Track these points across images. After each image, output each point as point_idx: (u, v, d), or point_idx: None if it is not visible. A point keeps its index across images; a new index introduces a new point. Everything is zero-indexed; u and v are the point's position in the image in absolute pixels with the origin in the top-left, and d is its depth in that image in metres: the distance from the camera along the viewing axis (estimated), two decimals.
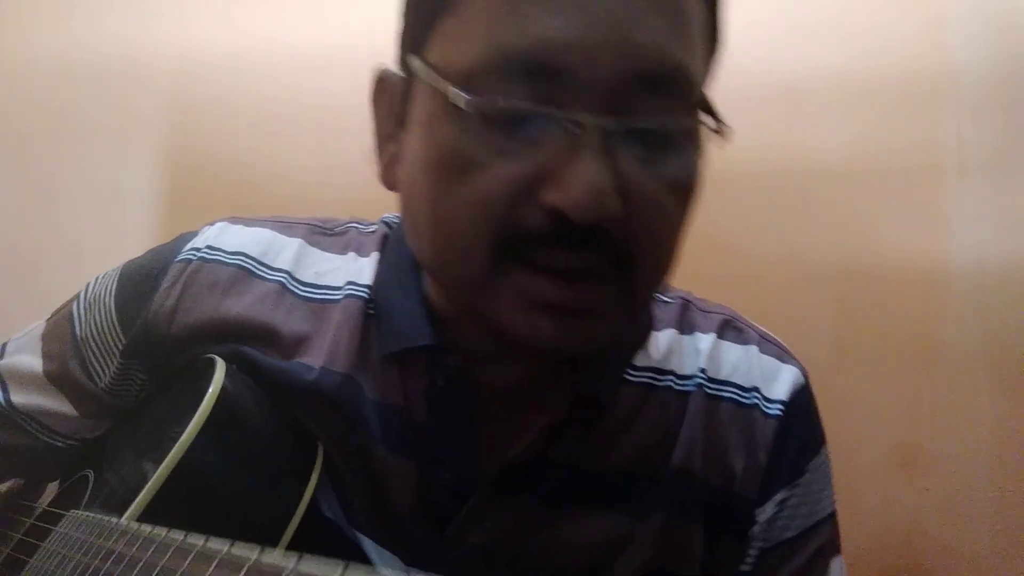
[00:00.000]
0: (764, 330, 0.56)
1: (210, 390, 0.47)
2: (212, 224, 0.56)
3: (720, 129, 0.45)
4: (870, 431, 0.79)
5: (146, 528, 0.42)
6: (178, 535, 0.38)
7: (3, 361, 0.58)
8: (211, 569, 0.33)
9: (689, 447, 0.50)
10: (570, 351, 0.42)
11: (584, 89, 0.39)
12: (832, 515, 0.53)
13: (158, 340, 0.51)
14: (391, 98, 0.47)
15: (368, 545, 0.48)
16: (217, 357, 0.49)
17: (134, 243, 0.97)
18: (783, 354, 0.55)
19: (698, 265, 0.89)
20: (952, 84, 0.81)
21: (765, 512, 0.50)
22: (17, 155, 1.02)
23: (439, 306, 0.49)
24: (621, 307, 0.43)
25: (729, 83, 0.85)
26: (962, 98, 0.80)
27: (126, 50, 1.00)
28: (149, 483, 0.45)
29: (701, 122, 0.43)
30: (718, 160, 0.86)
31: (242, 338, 0.50)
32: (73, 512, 0.52)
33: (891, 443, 0.79)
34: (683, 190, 0.43)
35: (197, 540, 0.36)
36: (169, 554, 0.37)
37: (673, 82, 0.40)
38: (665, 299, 0.56)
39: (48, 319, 0.58)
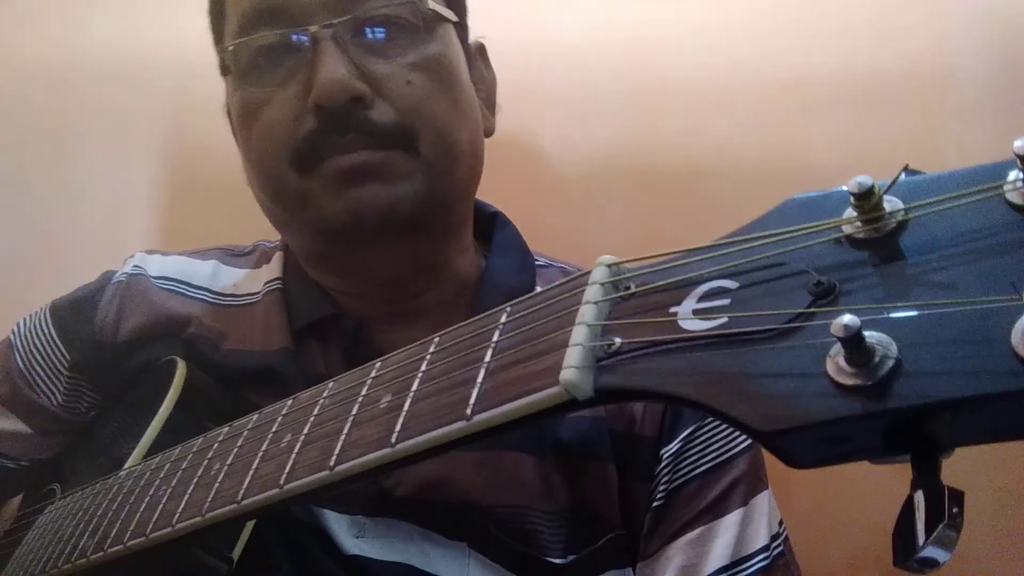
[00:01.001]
0: None
1: (176, 375, 0.53)
2: (131, 256, 0.64)
3: (440, 15, 0.55)
4: None
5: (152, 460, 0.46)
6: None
7: None
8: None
9: None
10: (380, 209, 0.51)
11: (305, 11, 0.51)
12: (748, 448, 0.55)
13: (107, 348, 0.58)
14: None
15: (329, 517, 0.52)
16: (176, 357, 0.55)
17: (134, 244, 0.91)
18: None
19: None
20: (953, 84, 0.79)
21: (671, 449, 0.53)
22: (16, 156, 0.99)
23: (328, 284, 0.58)
24: (416, 172, 0.52)
25: (729, 82, 0.83)
26: (961, 95, 0.79)
27: (127, 50, 0.97)
28: (139, 444, 0.50)
29: (423, 13, 0.53)
30: (718, 158, 0.83)
31: (183, 326, 0.58)
32: (52, 504, 0.55)
33: None
34: (426, 69, 0.53)
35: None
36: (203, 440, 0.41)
37: None
38: (563, 267, 0.62)
39: None
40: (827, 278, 0.18)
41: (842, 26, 0.82)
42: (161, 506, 0.40)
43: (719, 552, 0.51)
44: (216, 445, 0.41)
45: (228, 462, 0.38)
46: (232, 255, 0.64)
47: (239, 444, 0.38)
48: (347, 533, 0.51)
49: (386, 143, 0.51)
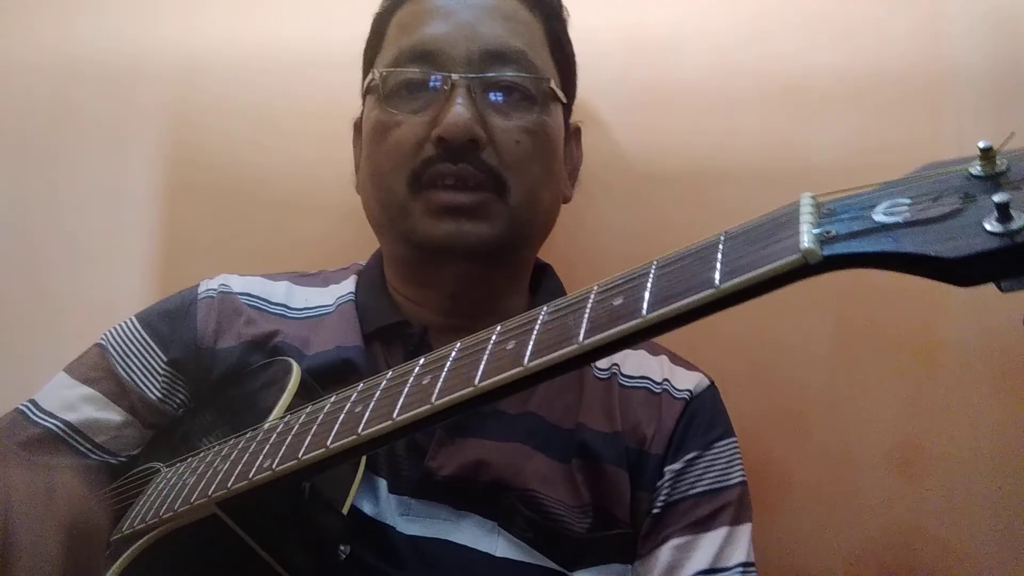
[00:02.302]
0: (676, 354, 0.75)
1: (293, 373, 0.63)
2: (210, 278, 0.75)
3: (569, 116, 0.72)
4: (870, 431, 0.81)
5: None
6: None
7: (39, 401, 0.69)
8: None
9: (607, 415, 0.67)
10: (465, 242, 0.65)
11: (451, 61, 0.66)
12: (742, 483, 0.67)
13: (205, 353, 0.69)
14: (360, 133, 0.74)
15: (381, 486, 0.63)
16: (289, 359, 0.65)
17: (134, 243, 0.97)
18: (692, 366, 0.73)
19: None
20: (952, 82, 0.82)
21: (674, 467, 0.65)
22: (17, 154, 1.00)
23: (399, 300, 0.71)
24: (501, 216, 0.66)
25: (731, 83, 0.89)
26: (962, 96, 0.82)
27: (127, 49, 1.00)
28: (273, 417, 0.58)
29: (544, 88, 0.68)
30: (720, 159, 0.88)
31: (271, 336, 0.69)
32: (167, 467, 0.63)
33: (891, 443, 0.81)
34: (534, 135, 0.67)
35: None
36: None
37: (512, 58, 0.67)
38: None
39: (66, 368, 0.71)
40: (968, 191, 0.33)
41: (843, 27, 0.85)
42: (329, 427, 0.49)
43: (701, 557, 0.62)
44: (354, 395, 0.51)
45: (377, 395, 0.48)
46: (300, 277, 0.77)
47: (381, 387, 0.48)
48: (396, 512, 0.62)
49: (484, 185, 0.65)
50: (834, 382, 0.84)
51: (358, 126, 0.76)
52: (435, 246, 0.65)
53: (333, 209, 0.92)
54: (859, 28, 0.85)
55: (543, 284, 0.75)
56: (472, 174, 0.65)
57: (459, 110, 0.63)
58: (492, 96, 0.66)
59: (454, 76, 0.65)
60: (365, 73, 0.74)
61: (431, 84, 0.66)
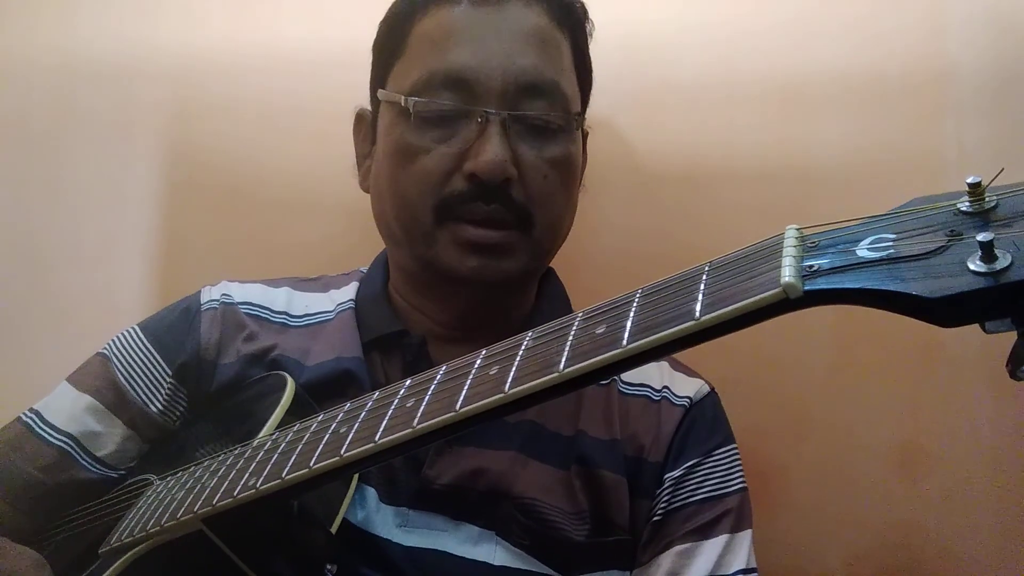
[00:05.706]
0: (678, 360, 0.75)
1: (287, 387, 0.63)
2: (213, 285, 0.74)
3: (583, 127, 0.71)
4: (870, 431, 0.82)
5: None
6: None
7: (44, 413, 0.68)
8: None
9: (607, 423, 0.68)
10: (489, 278, 0.65)
11: (486, 93, 0.64)
12: (742, 490, 0.67)
13: (207, 366, 0.69)
14: (365, 126, 0.74)
15: (371, 496, 0.63)
16: (283, 373, 0.66)
17: (134, 243, 0.98)
18: (692, 372, 0.73)
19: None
20: (952, 84, 0.82)
21: (674, 475, 0.66)
22: (17, 153, 1.01)
23: (400, 306, 0.71)
24: (525, 250, 0.66)
25: (729, 80, 0.89)
26: (962, 98, 0.82)
27: (128, 49, 1.00)
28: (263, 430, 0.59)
29: (572, 119, 0.67)
30: (719, 159, 0.88)
31: (271, 349, 0.69)
32: (159, 480, 0.63)
33: (891, 443, 0.81)
34: (561, 167, 0.67)
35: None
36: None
37: (545, 91, 0.66)
38: None
39: (68, 378, 0.71)
40: (955, 228, 0.32)
41: (841, 26, 0.86)
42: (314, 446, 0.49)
43: (702, 564, 0.63)
44: (340, 415, 0.51)
45: (362, 416, 0.48)
46: (300, 282, 0.77)
47: (367, 407, 0.48)
48: (392, 523, 0.62)
49: (511, 224, 0.65)
50: (833, 382, 0.84)
51: (362, 117, 0.75)
52: (459, 279, 0.65)
53: (333, 208, 0.92)
54: (859, 27, 0.85)
55: (545, 288, 0.75)
56: (503, 214, 0.64)
57: (496, 148, 0.63)
58: (523, 129, 0.65)
59: (490, 112, 0.63)
60: (376, 67, 0.72)
61: (465, 114, 0.64)
